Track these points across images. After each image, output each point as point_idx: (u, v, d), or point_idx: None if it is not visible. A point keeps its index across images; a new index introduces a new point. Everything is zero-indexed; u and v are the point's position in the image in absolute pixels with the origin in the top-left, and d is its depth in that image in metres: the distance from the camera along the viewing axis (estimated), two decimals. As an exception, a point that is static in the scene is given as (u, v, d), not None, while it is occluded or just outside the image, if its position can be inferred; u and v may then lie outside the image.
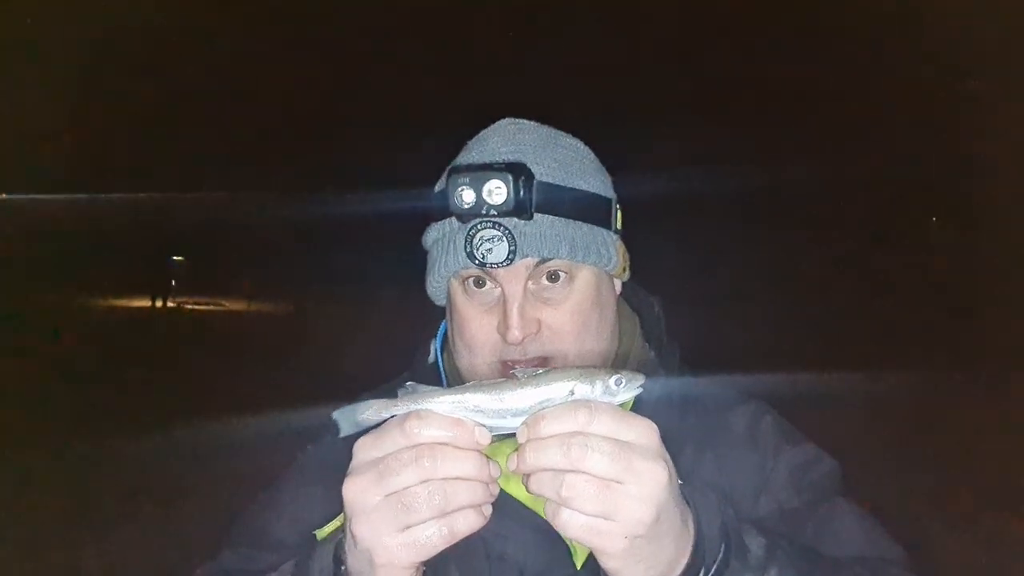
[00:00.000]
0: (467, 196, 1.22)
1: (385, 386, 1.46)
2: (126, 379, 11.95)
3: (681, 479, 1.00)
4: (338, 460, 1.18)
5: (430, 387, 0.96)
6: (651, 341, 1.42)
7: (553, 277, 1.27)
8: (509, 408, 0.93)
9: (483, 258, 1.23)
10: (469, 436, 0.92)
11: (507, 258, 1.22)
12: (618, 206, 1.37)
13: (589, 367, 0.97)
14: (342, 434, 0.96)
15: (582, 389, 0.92)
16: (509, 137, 1.33)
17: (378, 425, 0.96)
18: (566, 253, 1.26)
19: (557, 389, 0.92)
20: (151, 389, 11.24)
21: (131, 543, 5.45)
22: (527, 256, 1.24)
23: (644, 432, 0.90)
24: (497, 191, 1.21)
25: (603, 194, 1.35)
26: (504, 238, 1.22)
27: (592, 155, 1.39)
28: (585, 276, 1.29)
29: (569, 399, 0.92)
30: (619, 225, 1.37)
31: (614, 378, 0.93)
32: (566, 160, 1.32)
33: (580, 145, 1.38)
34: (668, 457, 0.93)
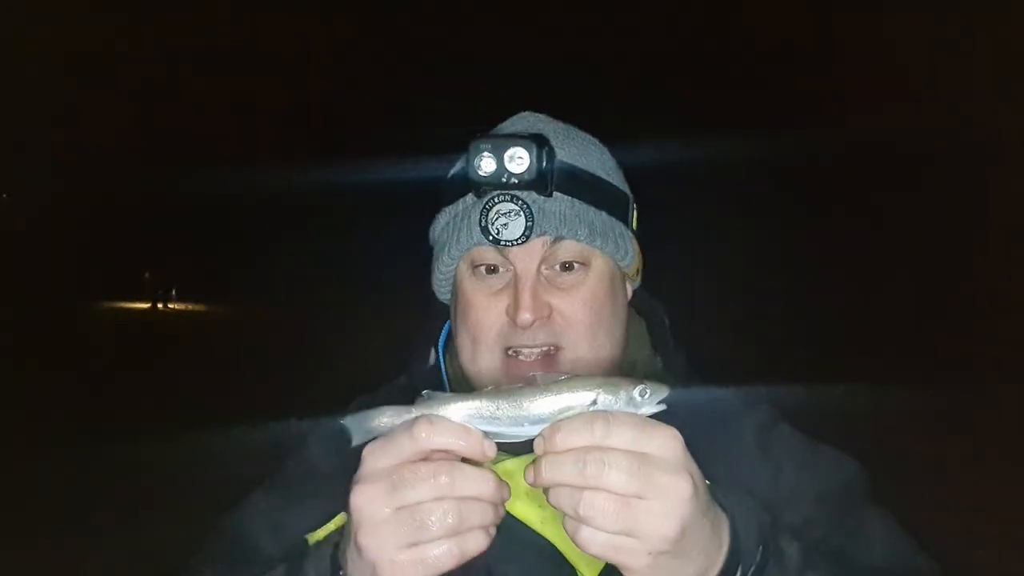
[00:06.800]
0: (487, 164, 1.18)
1: (384, 388, 1.41)
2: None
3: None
4: (325, 470, 1.23)
5: (447, 394, 0.93)
6: (657, 348, 1.38)
7: (567, 266, 1.23)
8: (527, 416, 0.89)
9: (498, 233, 1.19)
10: (478, 447, 0.89)
11: (523, 234, 1.18)
12: (635, 206, 1.35)
13: (612, 376, 0.93)
14: (354, 442, 0.93)
15: (604, 399, 0.88)
16: (529, 124, 1.31)
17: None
18: (585, 235, 1.22)
19: (578, 398, 0.88)
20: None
21: (129, 548, 5.41)
22: (544, 233, 1.20)
23: (666, 443, 0.86)
24: (519, 159, 1.17)
25: (622, 188, 1.33)
26: (521, 212, 1.18)
27: (609, 154, 1.36)
28: (600, 266, 1.26)
29: (590, 408, 0.88)
30: (635, 226, 1.34)
31: (638, 388, 0.89)
32: (587, 149, 1.31)
33: (599, 142, 1.36)
34: (693, 467, 0.89)
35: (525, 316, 1.18)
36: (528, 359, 1.21)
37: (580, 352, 1.21)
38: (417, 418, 0.89)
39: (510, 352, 1.22)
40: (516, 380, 1.17)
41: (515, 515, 1.09)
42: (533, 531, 1.11)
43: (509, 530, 0.98)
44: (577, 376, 0.92)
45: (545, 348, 1.21)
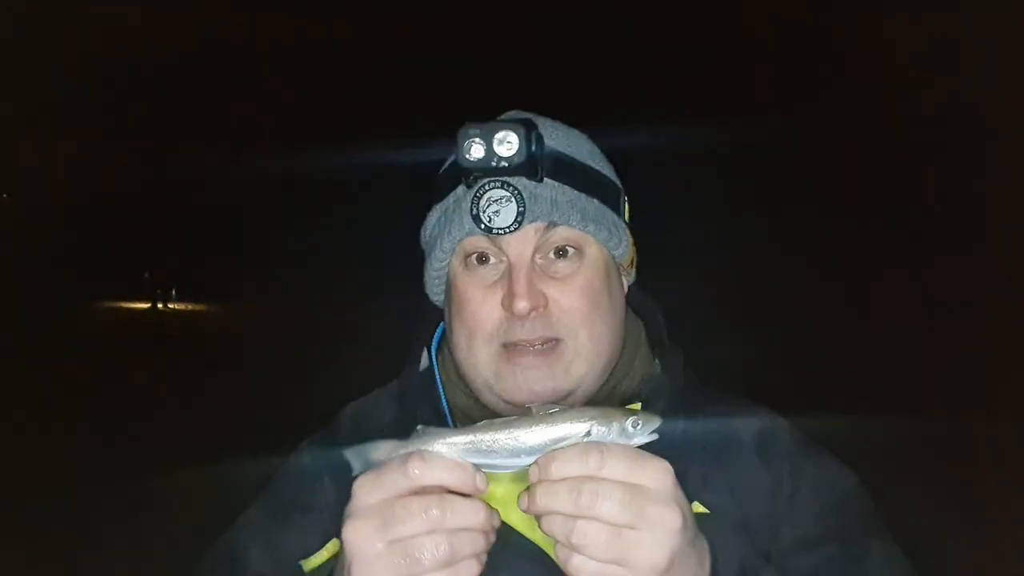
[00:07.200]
0: (476, 150, 1.17)
1: (376, 392, 1.40)
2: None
3: (696, 500, 0.98)
4: (317, 484, 1.25)
5: (442, 429, 0.95)
6: (654, 348, 1.37)
7: (561, 253, 1.22)
8: (523, 447, 0.92)
9: (489, 221, 1.18)
10: (470, 481, 0.91)
11: (515, 220, 1.17)
12: (626, 199, 1.34)
13: (605, 408, 0.95)
14: (355, 473, 0.96)
15: (598, 430, 0.91)
16: (518, 115, 1.30)
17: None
18: (577, 221, 1.21)
19: (572, 429, 0.91)
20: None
21: (128, 548, 5.41)
22: (536, 220, 1.19)
23: (657, 475, 0.89)
24: (509, 143, 1.16)
25: (613, 179, 1.32)
26: (513, 199, 1.17)
27: (599, 149, 1.35)
28: (595, 254, 1.24)
29: (584, 439, 0.90)
30: (627, 218, 1.33)
31: (630, 420, 0.91)
32: (575, 140, 1.30)
33: (587, 137, 1.35)
34: (683, 500, 0.91)
35: (521, 304, 1.16)
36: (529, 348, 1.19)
37: (580, 342, 1.20)
38: (411, 454, 0.91)
39: (511, 346, 1.19)
40: (517, 368, 1.19)
41: (506, 521, 1.08)
42: (524, 537, 1.11)
43: (500, 535, 0.98)
44: (572, 408, 0.95)
45: (544, 341, 1.19)
